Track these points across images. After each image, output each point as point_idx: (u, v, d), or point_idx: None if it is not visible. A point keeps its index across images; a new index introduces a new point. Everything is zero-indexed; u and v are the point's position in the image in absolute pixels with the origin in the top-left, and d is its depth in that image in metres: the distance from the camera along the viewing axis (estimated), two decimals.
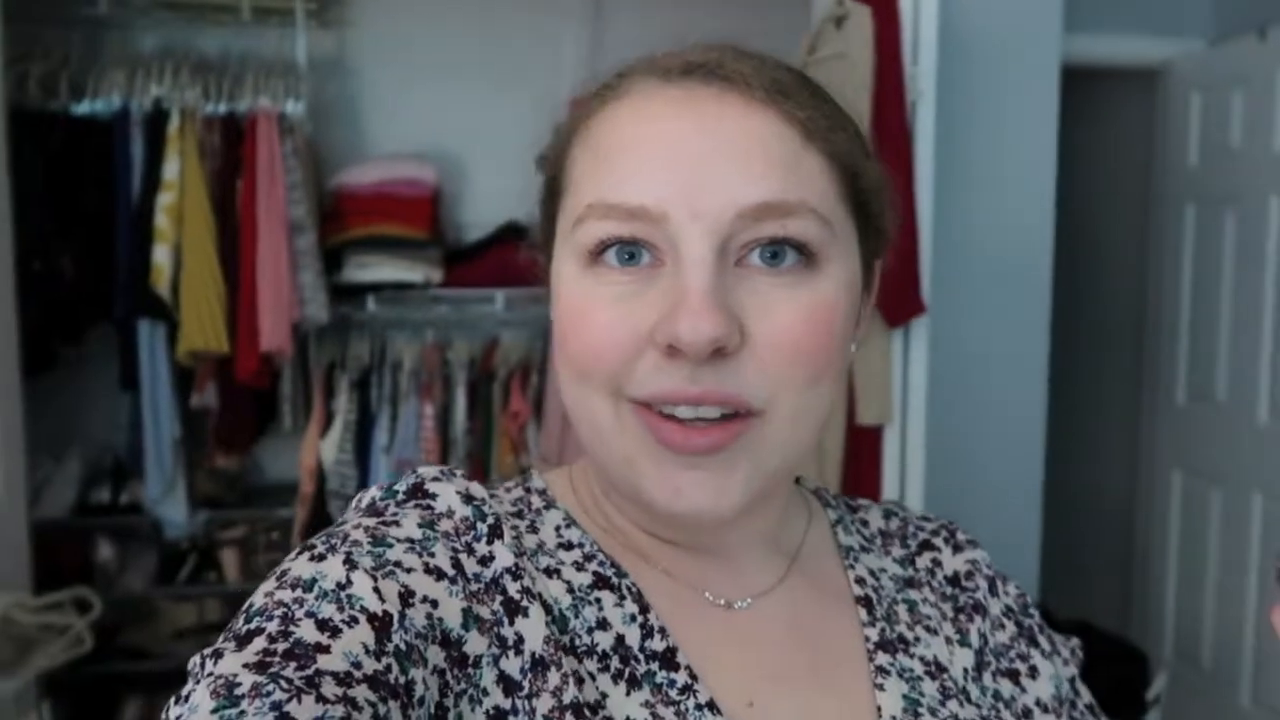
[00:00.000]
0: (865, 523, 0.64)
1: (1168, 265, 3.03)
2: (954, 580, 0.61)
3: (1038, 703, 0.58)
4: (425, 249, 2.58)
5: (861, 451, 1.99)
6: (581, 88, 0.54)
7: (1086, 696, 0.60)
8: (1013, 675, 0.58)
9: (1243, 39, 2.69)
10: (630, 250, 0.48)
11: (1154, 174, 3.12)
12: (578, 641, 0.49)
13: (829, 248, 0.49)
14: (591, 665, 0.49)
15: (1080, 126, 3.15)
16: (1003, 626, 0.60)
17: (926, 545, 0.63)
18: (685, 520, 0.49)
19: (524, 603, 0.48)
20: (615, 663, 0.49)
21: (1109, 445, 3.40)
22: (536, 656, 0.47)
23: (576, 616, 0.50)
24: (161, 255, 2.34)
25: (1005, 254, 2.41)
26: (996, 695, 0.57)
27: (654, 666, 0.50)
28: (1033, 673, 0.58)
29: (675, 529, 0.54)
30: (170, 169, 2.35)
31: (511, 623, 0.47)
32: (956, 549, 0.63)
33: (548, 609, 0.49)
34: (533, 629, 0.47)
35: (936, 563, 0.62)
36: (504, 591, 0.48)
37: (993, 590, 0.61)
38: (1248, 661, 2.66)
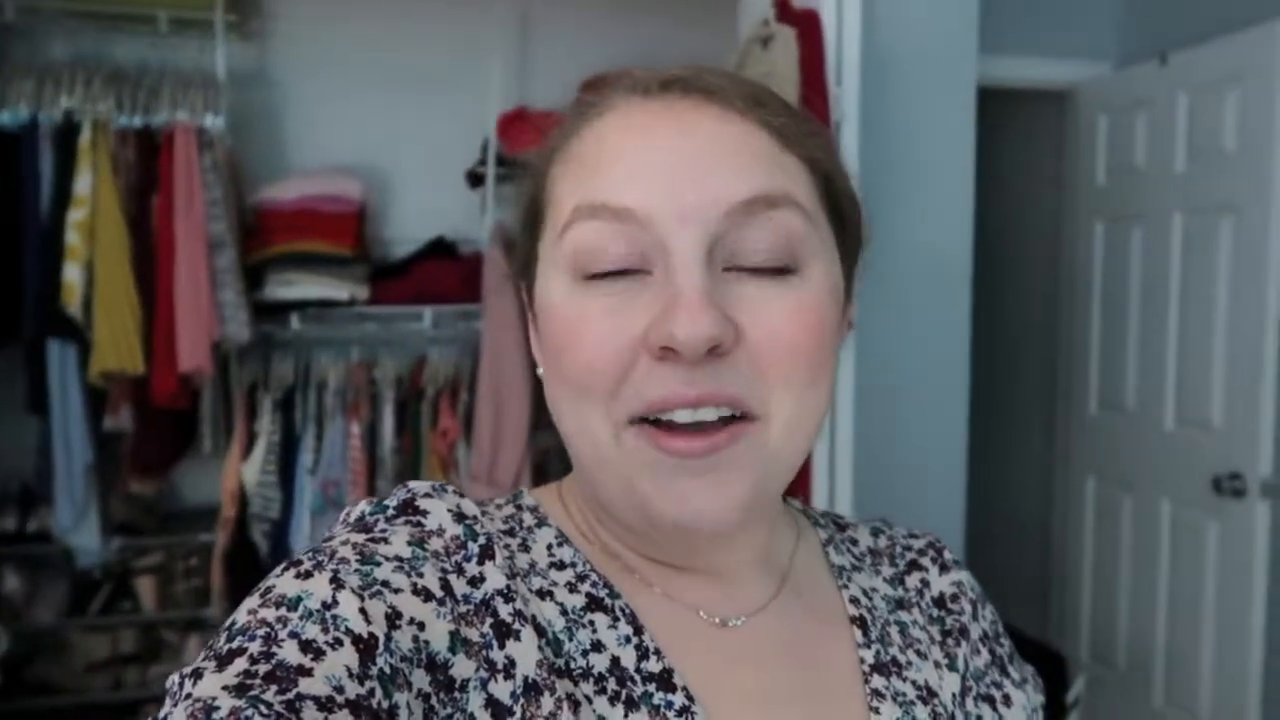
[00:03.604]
0: (854, 541, 0.64)
1: (1079, 279, 3.14)
2: (940, 602, 0.62)
3: None
4: (350, 266, 2.54)
5: None
6: (559, 109, 0.54)
7: None
8: (990, 701, 0.59)
9: (1145, 64, 2.82)
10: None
11: (1064, 191, 3.24)
12: (573, 664, 0.49)
13: (813, 247, 0.50)
14: (588, 688, 0.48)
15: (996, 146, 3.25)
16: (979, 652, 0.61)
17: (914, 565, 0.63)
18: (691, 529, 0.48)
19: (516, 625, 0.47)
20: (612, 684, 0.49)
21: (1025, 453, 3.51)
22: (529, 681, 0.46)
23: (571, 639, 0.49)
24: (73, 273, 2.25)
25: (926, 269, 2.47)
26: None
27: (651, 688, 0.49)
28: (1006, 700, 0.59)
29: (676, 544, 0.53)
30: (82, 183, 2.27)
31: (502, 646, 0.47)
32: (943, 569, 0.63)
33: (541, 632, 0.48)
34: (525, 653, 0.47)
35: (925, 583, 0.62)
36: (495, 614, 0.47)
37: (975, 615, 0.62)
38: (1160, 662, 2.75)
